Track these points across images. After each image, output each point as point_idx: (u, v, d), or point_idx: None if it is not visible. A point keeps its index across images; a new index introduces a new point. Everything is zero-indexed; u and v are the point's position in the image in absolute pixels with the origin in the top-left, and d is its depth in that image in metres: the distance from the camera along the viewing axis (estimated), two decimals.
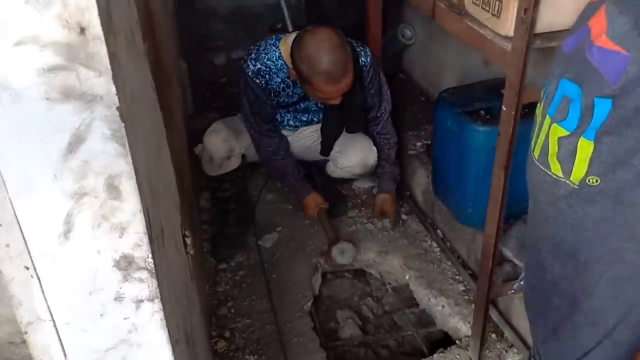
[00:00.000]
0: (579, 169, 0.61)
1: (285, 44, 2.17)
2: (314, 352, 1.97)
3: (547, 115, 0.67)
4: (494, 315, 2.01)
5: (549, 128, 0.66)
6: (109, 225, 0.82)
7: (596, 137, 0.59)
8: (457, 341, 2.04)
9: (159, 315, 0.92)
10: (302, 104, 2.38)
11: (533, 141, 0.70)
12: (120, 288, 0.88)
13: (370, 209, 2.62)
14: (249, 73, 2.20)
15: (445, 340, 2.15)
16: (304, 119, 2.46)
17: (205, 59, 3.95)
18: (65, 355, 0.92)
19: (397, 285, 2.39)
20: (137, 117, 0.87)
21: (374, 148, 2.49)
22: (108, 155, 0.77)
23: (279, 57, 2.19)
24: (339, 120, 2.41)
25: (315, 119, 2.47)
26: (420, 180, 2.59)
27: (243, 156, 2.40)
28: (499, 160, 1.51)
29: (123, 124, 0.75)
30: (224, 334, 2.02)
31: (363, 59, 2.25)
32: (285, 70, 2.20)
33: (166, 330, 0.94)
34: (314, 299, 2.28)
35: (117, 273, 0.86)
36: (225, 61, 4.02)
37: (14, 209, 0.76)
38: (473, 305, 2.08)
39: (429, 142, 2.64)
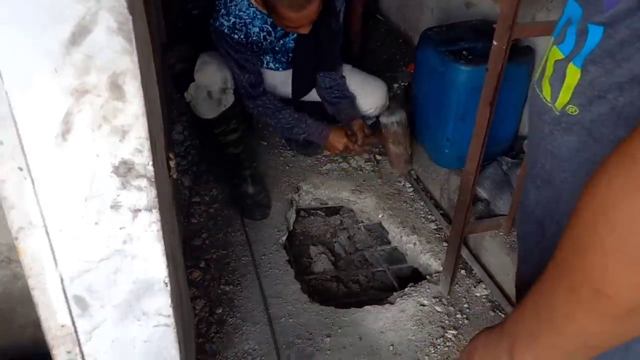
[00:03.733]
0: (564, 96, 0.61)
1: None
2: (288, 284, 1.99)
3: (553, 36, 0.67)
4: (463, 252, 2.06)
5: (550, 49, 0.66)
6: (109, 128, 0.78)
7: (583, 64, 0.58)
8: (427, 276, 2.10)
9: (156, 227, 0.90)
10: (280, 42, 2.30)
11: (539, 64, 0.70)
12: (118, 195, 0.85)
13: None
14: (225, 30, 2.09)
15: (415, 277, 2.20)
16: (284, 59, 2.37)
17: None
18: (56, 263, 0.89)
19: (369, 224, 2.43)
20: (137, 18, 0.83)
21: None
22: (113, 51, 0.72)
23: (249, 5, 2.10)
24: (310, 56, 2.33)
25: None
26: None
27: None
28: (485, 96, 1.52)
29: (130, 17, 0.71)
30: (198, 264, 2.01)
31: None
32: (259, 17, 2.12)
33: (162, 242, 0.93)
34: (288, 235, 2.29)
35: (115, 179, 0.83)
36: None
37: (9, 102, 0.72)
38: (444, 243, 2.13)
39: (407, 84, 2.63)
